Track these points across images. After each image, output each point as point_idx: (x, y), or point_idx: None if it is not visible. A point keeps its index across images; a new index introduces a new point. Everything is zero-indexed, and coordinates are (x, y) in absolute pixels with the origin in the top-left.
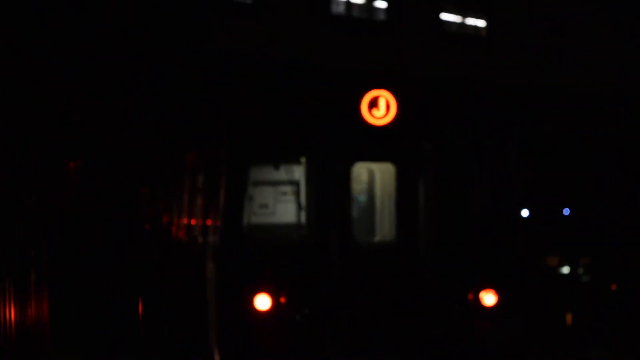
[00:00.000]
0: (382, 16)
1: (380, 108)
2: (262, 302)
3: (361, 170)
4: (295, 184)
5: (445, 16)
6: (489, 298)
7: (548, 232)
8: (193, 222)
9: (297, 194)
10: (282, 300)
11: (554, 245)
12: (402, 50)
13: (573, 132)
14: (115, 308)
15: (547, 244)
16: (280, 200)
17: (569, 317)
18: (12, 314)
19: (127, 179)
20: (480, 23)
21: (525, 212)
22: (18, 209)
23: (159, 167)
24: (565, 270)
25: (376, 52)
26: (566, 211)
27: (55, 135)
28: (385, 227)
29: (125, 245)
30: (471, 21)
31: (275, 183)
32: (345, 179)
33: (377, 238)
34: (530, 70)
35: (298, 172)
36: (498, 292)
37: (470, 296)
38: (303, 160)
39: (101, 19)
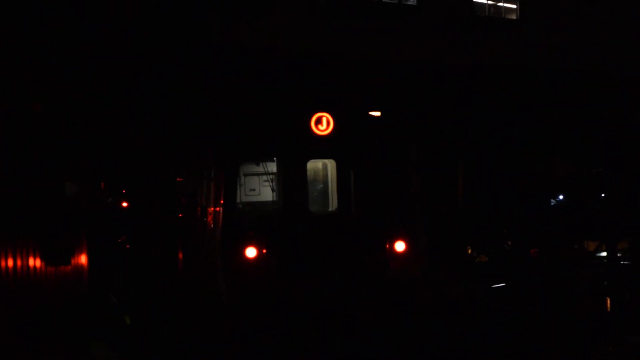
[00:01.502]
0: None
1: (324, 124)
2: (250, 252)
3: (318, 164)
4: (272, 174)
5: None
6: (399, 245)
7: (585, 218)
8: (211, 207)
9: (273, 181)
10: (264, 250)
11: (591, 230)
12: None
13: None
14: (166, 261)
15: (584, 229)
16: (263, 185)
17: (608, 302)
18: None
19: (167, 170)
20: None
21: (560, 197)
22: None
23: (188, 161)
24: (604, 254)
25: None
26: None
27: (94, 133)
28: (331, 202)
29: (166, 225)
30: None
31: (259, 174)
32: (303, 170)
33: (327, 209)
34: (561, 54)
35: (273, 167)
36: (405, 242)
37: (387, 245)
38: (275, 159)
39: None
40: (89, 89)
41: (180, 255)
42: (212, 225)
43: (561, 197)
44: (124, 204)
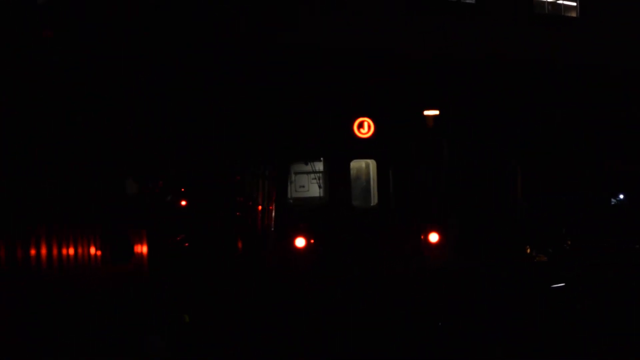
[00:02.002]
0: None
1: (365, 128)
2: (300, 242)
3: (361, 164)
4: (319, 172)
5: None
6: (433, 236)
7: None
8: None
9: (320, 179)
10: (312, 241)
11: None
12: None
13: None
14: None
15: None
16: (312, 182)
17: None
18: None
19: (226, 169)
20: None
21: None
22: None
23: (246, 161)
24: None
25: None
26: None
27: (154, 133)
28: (372, 197)
29: (225, 223)
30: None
31: (308, 172)
32: (347, 169)
33: (369, 204)
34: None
35: (320, 166)
36: (439, 233)
37: (422, 236)
38: (322, 159)
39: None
40: (157, 88)
41: (240, 247)
42: (266, 220)
43: (622, 196)
44: (183, 203)
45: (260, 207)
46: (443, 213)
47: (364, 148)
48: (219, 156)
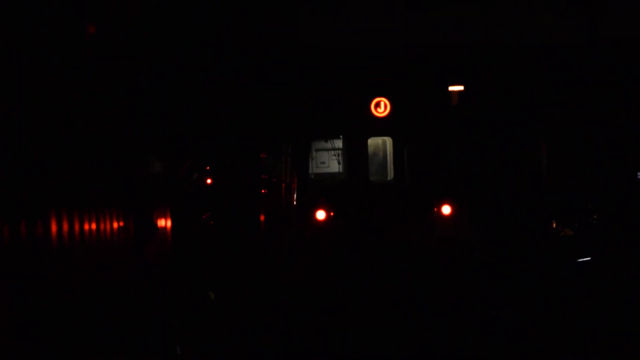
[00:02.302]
0: None
1: (382, 107)
2: (320, 214)
3: (378, 141)
4: (339, 149)
5: None
6: (445, 209)
7: None
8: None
9: (339, 155)
10: (332, 214)
11: None
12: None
13: None
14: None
15: None
16: (332, 159)
17: None
18: None
19: (253, 147)
20: None
21: None
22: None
23: (271, 138)
24: None
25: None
26: None
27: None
28: (389, 172)
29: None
30: None
31: (329, 149)
32: (364, 146)
33: (385, 178)
34: None
35: (339, 143)
36: (451, 206)
37: (435, 209)
38: (341, 136)
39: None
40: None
41: (262, 221)
42: (290, 195)
43: None
44: (208, 181)
45: (283, 184)
46: (455, 188)
47: (380, 126)
48: (245, 135)
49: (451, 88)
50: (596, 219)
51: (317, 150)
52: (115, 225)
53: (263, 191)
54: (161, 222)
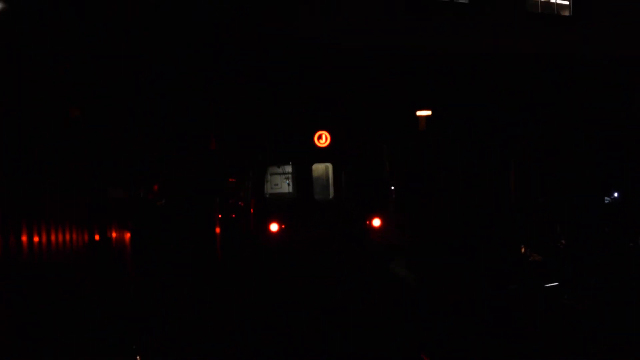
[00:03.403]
0: None
1: (323, 139)
2: (274, 227)
3: (321, 166)
4: (289, 174)
5: None
6: (376, 221)
7: None
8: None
9: (289, 178)
10: (283, 226)
11: None
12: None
13: None
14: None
15: None
16: (283, 181)
17: None
18: None
19: (221, 173)
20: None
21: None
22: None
23: (237, 165)
24: None
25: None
26: None
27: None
28: (330, 192)
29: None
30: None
31: (281, 173)
32: (309, 170)
33: (327, 197)
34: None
35: (289, 169)
36: (381, 219)
37: (368, 222)
38: (290, 163)
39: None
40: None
41: (218, 232)
42: (249, 210)
43: (616, 194)
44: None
45: (242, 203)
46: (385, 204)
47: (322, 154)
48: (215, 164)
49: (419, 113)
50: (564, 244)
51: (271, 174)
52: (74, 236)
53: (233, 215)
54: (115, 236)
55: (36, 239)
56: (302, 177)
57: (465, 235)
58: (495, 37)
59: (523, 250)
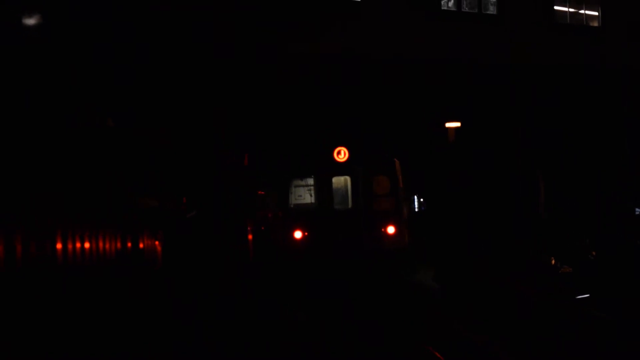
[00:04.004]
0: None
1: (342, 154)
2: (297, 234)
3: (341, 179)
4: (311, 186)
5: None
6: (390, 229)
7: None
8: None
9: (311, 190)
10: (306, 233)
11: None
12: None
13: None
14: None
15: None
16: (307, 193)
17: None
18: None
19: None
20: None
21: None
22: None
23: (264, 179)
24: None
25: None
26: None
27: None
28: (348, 202)
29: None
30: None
31: (304, 186)
32: (330, 183)
33: (346, 207)
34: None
35: (311, 181)
36: (395, 227)
37: (383, 229)
38: (312, 176)
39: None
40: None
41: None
42: (276, 220)
43: None
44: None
45: (270, 214)
46: (399, 213)
47: (341, 168)
48: (247, 178)
49: (447, 125)
50: (595, 256)
51: (295, 186)
52: (109, 244)
53: (262, 228)
54: (146, 244)
55: (69, 246)
56: (323, 189)
57: (494, 246)
58: (523, 47)
59: (553, 261)
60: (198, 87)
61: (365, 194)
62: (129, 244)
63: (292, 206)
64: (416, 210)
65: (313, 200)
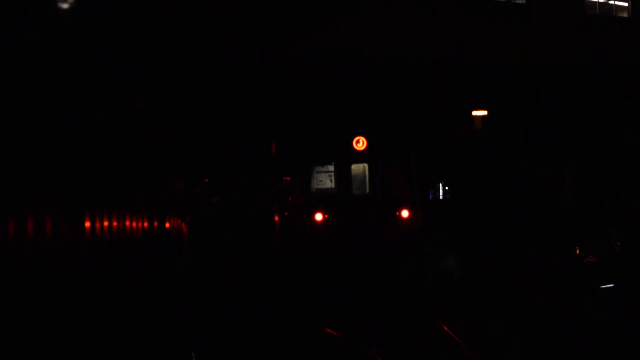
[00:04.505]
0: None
1: (361, 143)
2: (318, 216)
3: (360, 166)
4: (332, 172)
5: None
6: (404, 213)
7: None
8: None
9: (332, 176)
10: (326, 215)
11: None
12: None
13: None
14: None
15: None
16: (327, 178)
17: None
18: None
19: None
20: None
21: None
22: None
23: (288, 166)
24: None
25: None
26: None
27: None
28: (366, 188)
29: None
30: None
31: (325, 172)
32: (349, 170)
33: (363, 192)
34: None
35: (332, 168)
36: (409, 211)
37: (397, 213)
38: (333, 163)
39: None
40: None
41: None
42: (299, 203)
43: None
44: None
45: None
46: (413, 199)
47: (360, 156)
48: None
49: (474, 113)
50: (620, 246)
51: (317, 172)
52: (140, 223)
53: (286, 213)
54: (173, 224)
55: (97, 225)
56: (342, 175)
57: (519, 235)
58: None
59: (578, 251)
60: (224, 83)
61: (382, 181)
62: (155, 224)
63: (314, 191)
64: (441, 198)
65: (333, 186)
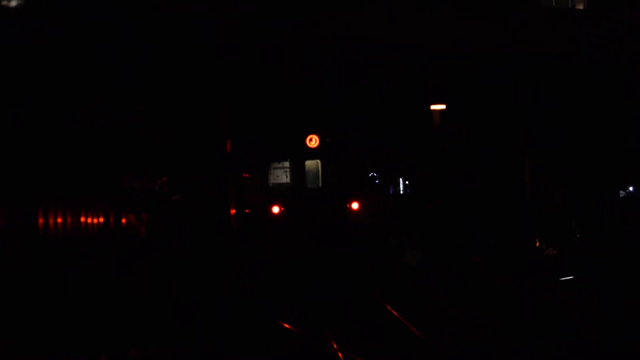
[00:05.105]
0: None
1: (314, 141)
2: (275, 209)
3: (313, 162)
4: (287, 168)
5: None
6: (354, 205)
7: None
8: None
9: (287, 171)
10: (282, 208)
11: None
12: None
13: None
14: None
15: None
16: (283, 174)
17: None
18: None
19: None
20: None
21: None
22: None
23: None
24: None
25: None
26: None
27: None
28: (319, 182)
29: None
30: None
31: (280, 168)
32: (302, 165)
33: (317, 186)
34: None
35: (287, 164)
36: (359, 203)
37: (348, 205)
38: (288, 160)
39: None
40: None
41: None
42: (257, 197)
43: (631, 188)
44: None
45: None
46: (362, 192)
47: (313, 153)
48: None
49: (432, 107)
50: (579, 238)
51: (274, 168)
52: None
53: (248, 210)
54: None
55: (51, 221)
56: (297, 171)
57: (477, 228)
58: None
59: (537, 244)
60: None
61: (334, 175)
62: (112, 220)
63: (271, 185)
64: (401, 192)
65: (288, 180)
